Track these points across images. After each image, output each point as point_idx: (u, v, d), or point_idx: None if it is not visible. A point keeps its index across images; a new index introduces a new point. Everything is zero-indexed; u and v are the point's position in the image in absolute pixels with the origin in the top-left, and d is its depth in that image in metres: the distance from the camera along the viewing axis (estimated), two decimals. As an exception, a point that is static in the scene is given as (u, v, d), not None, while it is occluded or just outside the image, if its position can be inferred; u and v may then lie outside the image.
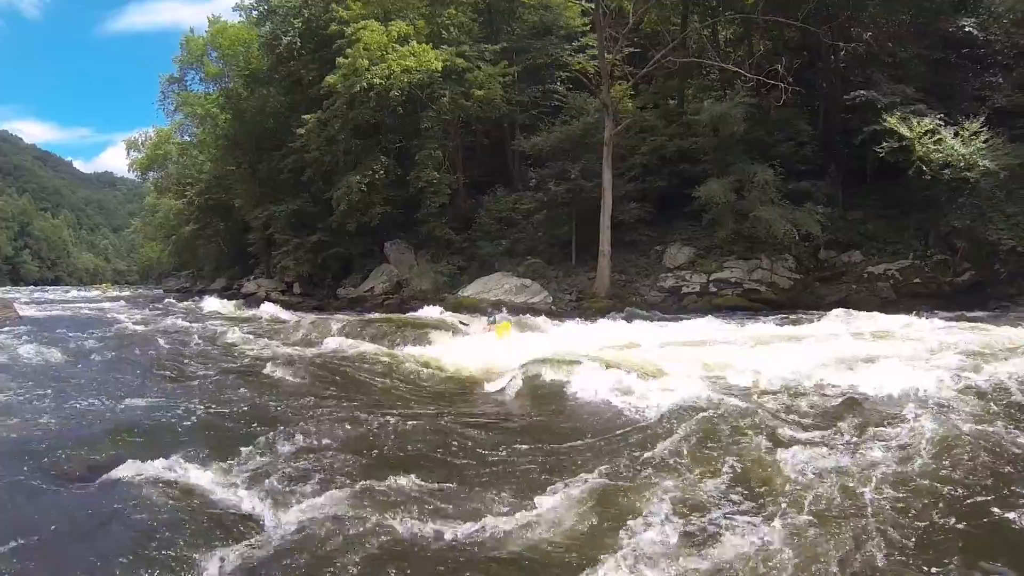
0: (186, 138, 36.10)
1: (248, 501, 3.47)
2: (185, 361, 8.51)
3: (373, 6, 19.96)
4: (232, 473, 3.92)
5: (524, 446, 4.60)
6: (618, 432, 4.82)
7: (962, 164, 14.56)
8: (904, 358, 6.76)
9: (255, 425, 5.06)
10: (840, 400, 5.33)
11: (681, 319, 12.41)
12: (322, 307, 20.28)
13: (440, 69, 17.37)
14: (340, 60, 18.58)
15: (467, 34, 18.71)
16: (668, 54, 16.11)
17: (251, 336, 11.89)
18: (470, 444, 4.67)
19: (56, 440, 4.51)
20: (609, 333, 10.81)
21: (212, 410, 5.50)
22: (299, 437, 4.57)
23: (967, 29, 16.78)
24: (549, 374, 6.73)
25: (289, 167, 22.17)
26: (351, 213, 18.87)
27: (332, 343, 10.84)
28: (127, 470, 3.75)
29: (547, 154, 16.64)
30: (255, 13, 26.81)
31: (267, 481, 3.77)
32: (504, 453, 4.46)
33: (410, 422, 5.18)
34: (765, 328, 11.17)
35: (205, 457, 4.14)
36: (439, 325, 12.58)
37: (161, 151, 42.98)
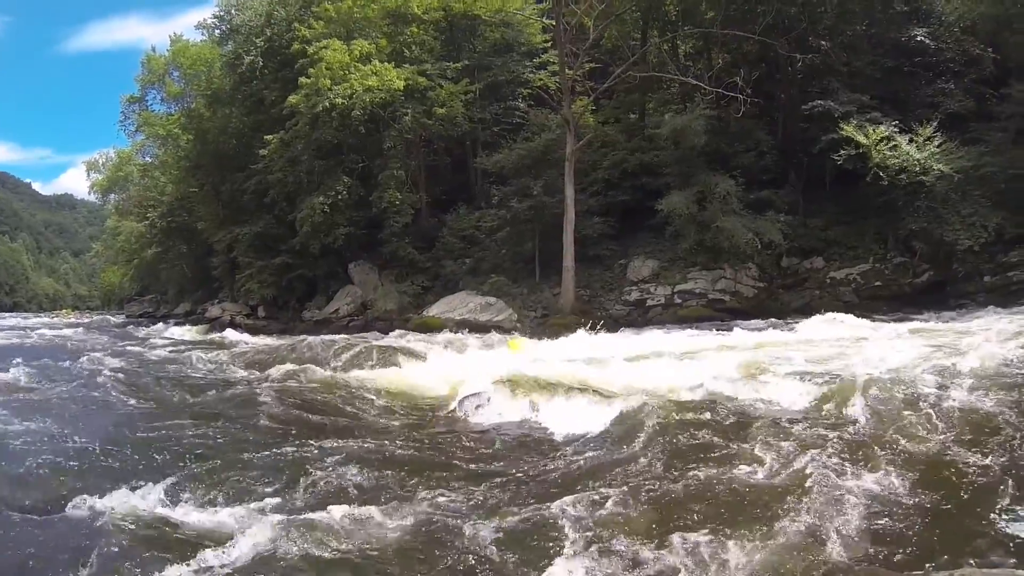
0: (147, 159, 36.48)
1: (200, 528, 3.66)
2: (143, 390, 8.64)
3: (336, 25, 20.70)
4: (186, 502, 4.13)
5: (470, 471, 4.85)
6: (571, 456, 5.17)
7: (917, 169, 15.61)
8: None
9: (208, 453, 5.28)
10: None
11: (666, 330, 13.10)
12: (287, 330, 20.64)
13: (402, 88, 18.06)
14: (303, 80, 19.20)
15: (429, 52, 19.48)
16: (628, 69, 17.00)
17: (212, 362, 12.14)
18: (425, 471, 4.89)
19: (8, 473, 4.68)
20: (572, 350, 11.45)
21: (168, 440, 5.72)
22: (254, 465, 4.78)
23: (919, 38, 17.96)
24: (501, 398, 7.08)
25: (252, 188, 22.68)
26: (314, 234, 19.37)
27: (289, 368, 11.32)
28: (81, 503, 3.91)
29: (509, 171, 17.35)
30: (217, 32, 27.50)
31: (219, 510, 3.97)
32: (452, 482, 4.65)
33: (364, 447, 5.41)
34: (729, 338, 11.90)
35: (161, 487, 4.29)
36: (400, 348, 13.18)
37: (122, 172, 43.32)
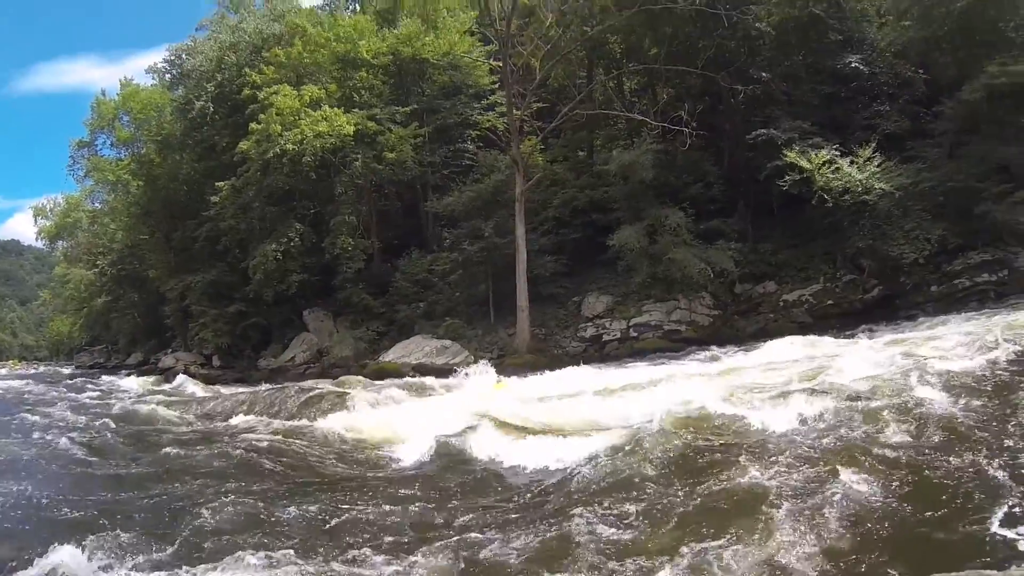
0: (97, 205, 36.15)
1: None
2: (96, 445, 8.66)
3: (286, 70, 21.10)
4: (122, 561, 4.20)
5: (421, 518, 5.08)
6: (530, 496, 5.53)
7: (860, 189, 16.47)
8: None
9: (155, 508, 5.45)
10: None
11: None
12: (243, 379, 20.50)
13: (352, 133, 18.43)
14: (253, 125, 19.46)
15: (378, 97, 19.95)
16: (575, 107, 17.69)
17: (167, 415, 12.20)
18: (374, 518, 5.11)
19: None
20: (549, 386, 11.70)
21: (119, 497, 5.83)
22: (202, 520, 4.91)
23: (854, 65, 19.05)
24: (453, 441, 7.49)
25: (204, 236, 22.67)
26: (268, 282, 19.42)
27: (246, 419, 11.42)
28: (28, 560, 4.03)
29: (460, 213, 17.74)
30: (168, 77, 27.72)
31: (168, 557, 4.15)
32: (403, 530, 4.86)
33: (327, 499, 5.61)
34: (670, 368, 12.32)
35: (104, 546, 4.37)
36: (355, 393, 13.29)
37: (70, 218, 42.64)
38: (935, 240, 16.79)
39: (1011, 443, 5.15)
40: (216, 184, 20.93)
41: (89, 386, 23.19)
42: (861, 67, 19.10)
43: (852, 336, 14.34)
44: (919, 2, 18.62)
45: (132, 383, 22.83)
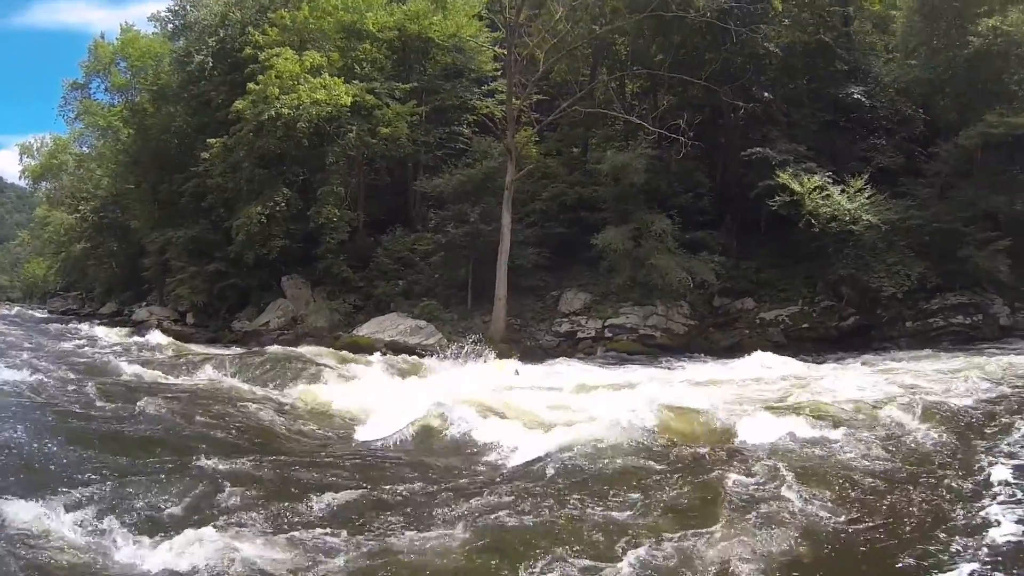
0: (85, 149, 36.10)
1: (94, 544, 3.84)
2: (60, 396, 8.74)
3: (290, 34, 21.22)
4: (87, 515, 4.27)
5: (392, 494, 5.20)
6: (494, 477, 5.79)
7: (847, 218, 16.99)
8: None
9: (118, 469, 5.44)
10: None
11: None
12: (216, 339, 20.81)
13: (349, 104, 18.63)
14: (251, 86, 19.55)
15: (379, 71, 20.18)
16: (575, 103, 18.08)
17: (135, 369, 12.36)
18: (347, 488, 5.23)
19: None
20: (500, 378, 12.10)
21: (77, 454, 5.79)
22: (158, 489, 4.94)
23: (856, 96, 19.59)
24: (432, 421, 7.67)
25: (190, 191, 22.80)
26: (250, 244, 19.62)
27: (216, 379, 11.63)
28: None
29: (448, 196, 18.10)
30: (170, 26, 27.64)
31: (117, 524, 4.15)
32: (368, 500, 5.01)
33: (286, 467, 5.73)
34: (640, 373, 12.79)
35: (63, 500, 4.43)
36: (329, 365, 13.56)
37: (57, 160, 42.44)
38: (915, 277, 17.40)
39: (973, 478, 5.59)
40: (208, 140, 21.05)
41: (59, 332, 23.34)
42: (863, 99, 19.66)
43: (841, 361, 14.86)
44: (928, 43, 19.24)
45: (102, 333, 22.97)
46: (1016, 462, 5.93)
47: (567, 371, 12.86)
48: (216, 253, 21.37)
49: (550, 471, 5.75)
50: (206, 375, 12.09)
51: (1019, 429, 6.94)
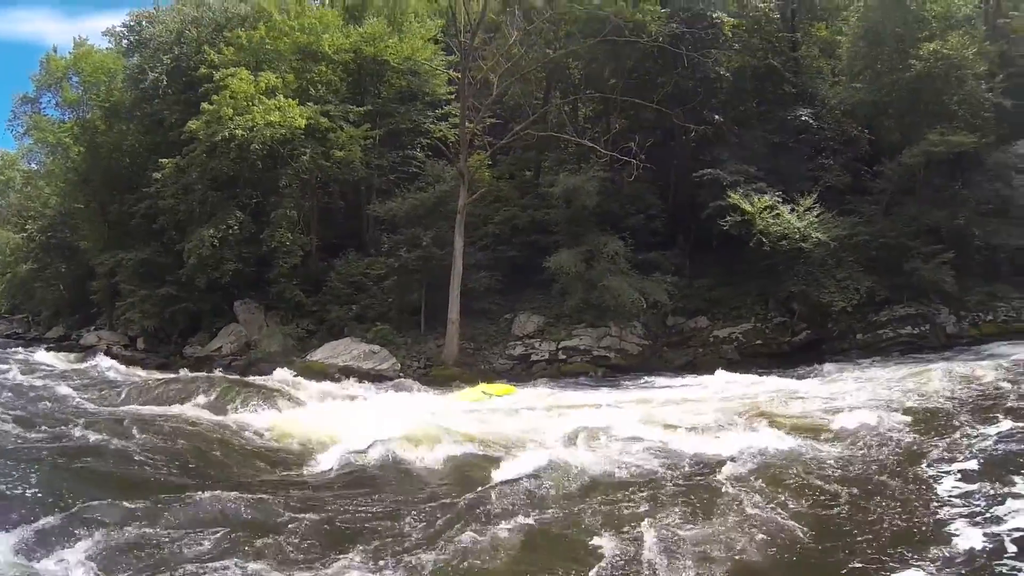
0: (33, 166, 35.70)
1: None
2: (3, 423, 8.60)
3: (245, 54, 21.65)
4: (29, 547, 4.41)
5: (342, 524, 5.40)
6: (460, 504, 6.01)
7: (797, 236, 17.99)
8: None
9: (65, 497, 5.49)
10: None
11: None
12: (167, 365, 20.83)
13: (303, 126, 19.12)
14: (205, 106, 19.89)
15: (334, 93, 20.75)
16: (528, 127, 18.88)
17: (83, 396, 12.50)
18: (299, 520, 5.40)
19: None
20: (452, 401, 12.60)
21: (13, 483, 5.79)
22: (109, 514, 5.08)
23: (803, 118, 20.73)
24: (386, 447, 7.90)
25: (142, 212, 22.96)
26: (202, 267, 19.86)
27: (165, 406, 11.61)
28: None
29: (401, 220, 18.67)
30: (125, 42, 27.80)
31: (55, 561, 4.29)
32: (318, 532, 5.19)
33: (237, 498, 5.76)
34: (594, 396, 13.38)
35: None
36: (282, 392, 13.83)
37: (3, 176, 42.00)
38: (864, 291, 18.50)
39: (928, 486, 6.20)
40: (160, 160, 21.31)
41: (3, 357, 22.99)
42: (810, 121, 20.82)
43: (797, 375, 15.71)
44: (872, 67, 20.53)
45: (50, 358, 22.82)
46: (967, 467, 6.61)
47: (533, 393, 13.44)
48: (167, 276, 21.51)
49: (525, 489, 6.20)
50: (155, 402, 12.17)
51: (972, 436, 7.67)
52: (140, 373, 18.41)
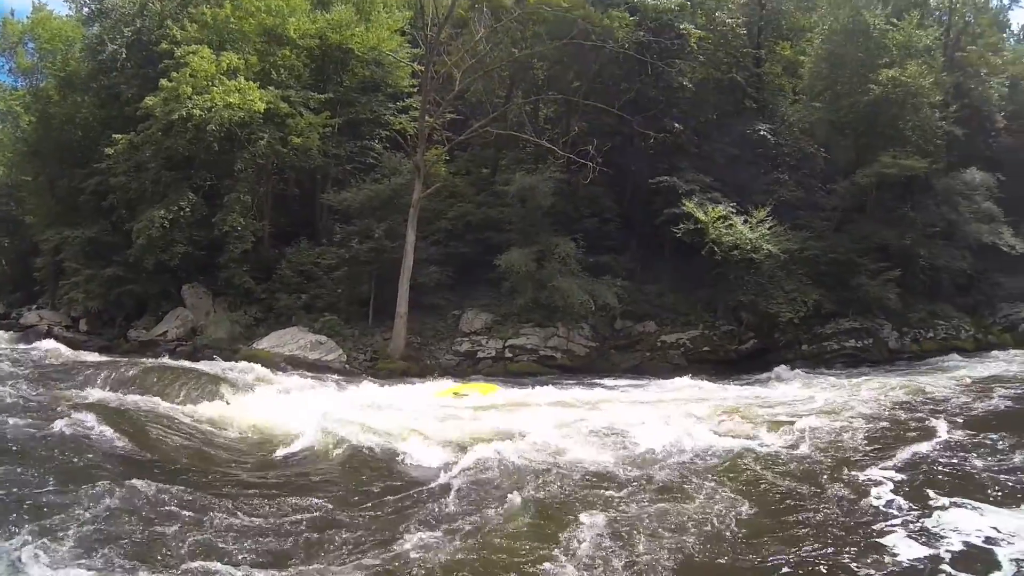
0: (-21, 134, 35.02)
1: None
2: None
3: (209, 32, 21.71)
4: None
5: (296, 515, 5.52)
6: (406, 494, 6.31)
7: (749, 247, 18.88)
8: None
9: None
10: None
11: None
12: (110, 348, 20.87)
13: (262, 111, 19.34)
14: (164, 82, 19.94)
15: (296, 78, 21.02)
16: (487, 124, 19.45)
17: (21, 378, 12.36)
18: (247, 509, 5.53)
19: None
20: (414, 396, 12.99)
21: None
22: (54, 503, 5.05)
23: (762, 133, 21.73)
24: (333, 439, 8.12)
25: (91, 188, 22.89)
26: (151, 249, 19.95)
27: (106, 392, 11.42)
28: None
29: (355, 211, 19.08)
30: (85, 10, 27.49)
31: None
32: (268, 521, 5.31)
33: (187, 489, 5.83)
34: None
35: None
36: (228, 379, 14.00)
37: (-52, 142, 40.90)
38: (811, 303, 19.54)
39: (865, 493, 6.57)
40: (114, 136, 21.26)
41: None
42: (769, 136, 21.84)
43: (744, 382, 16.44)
44: (832, 88, 21.63)
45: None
46: (903, 477, 7.11)
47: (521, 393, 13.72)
48: (114, 256, 21.49)
49: (474, 486, 6.49)
50: (97, 387, 12.00)
51: (909, 448, 8.28)
52: (84, 356, 18.30)
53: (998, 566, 4.89)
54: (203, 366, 15.22)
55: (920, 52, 21.46)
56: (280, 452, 8.23)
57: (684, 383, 15.39)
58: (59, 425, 7.85)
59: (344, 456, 7.84)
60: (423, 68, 19.46)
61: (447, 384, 14.66)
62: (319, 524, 5.61)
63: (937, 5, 24.66)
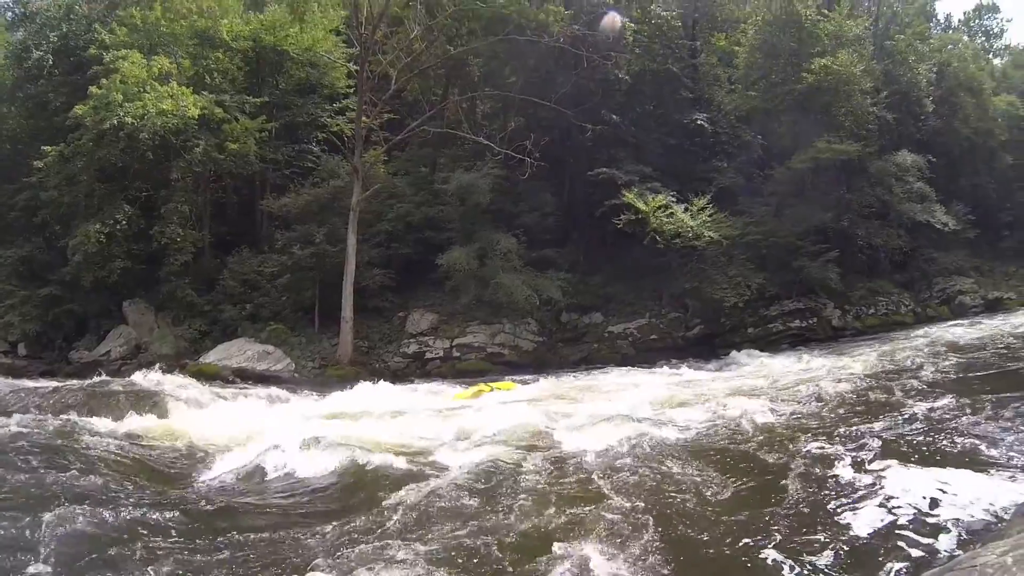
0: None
1: None
2: None
3: (139, 35, 21.52)
4: None
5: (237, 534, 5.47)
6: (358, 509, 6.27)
7: (691, 234, 19.71)
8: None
9: None
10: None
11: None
12: (52, 372, 20.51)
13: (197, 116, 19.37)
14: (93, 89, 19.72)
15: (231, 82, 21.09)
16: (425, 123, 19.84)
17: None
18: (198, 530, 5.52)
19: None
20: (351, 402, 13.25)
21: None
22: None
23: (700, 122, 22.61)
24: (278, 453, 8.06)
25: (21, 204, 22.55)
26: (88, 266, 19.76)
27: (51, 419, 10.96)
28: None
29: (295, 216, 19.39)
30: (9, 15, 26.99)
31: None
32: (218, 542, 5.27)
33: (123, 512, 5.72)
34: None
35: None
36: (175, 396, 14.09)
37: None
38: (755, 287, 20.52)
39: (815, 474, 6.74)
40: (43, 148, 20.95)
41: None
42: (706, 125, 22.73)
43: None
44: (767, 78, 22.65)
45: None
46: (858, 447, 7.39)
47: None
48: (50, 275, 21.25)
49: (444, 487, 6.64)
50: (36, 411, 11.73)
51: (863, 419, 8.72)
52: (23, 383, 17.94)
53: (946, 529, 5.30)
54: (148, 380, 15.29)
55: (851, 41, 22.66)
56: (220, 468, 8.24)
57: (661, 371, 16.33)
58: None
59: (288, 469, 7.85)
60: (359, 68, 19.70)
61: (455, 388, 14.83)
62: (257, 540, 5.68)
63: (866, -5, 25.89)
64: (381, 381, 15.46)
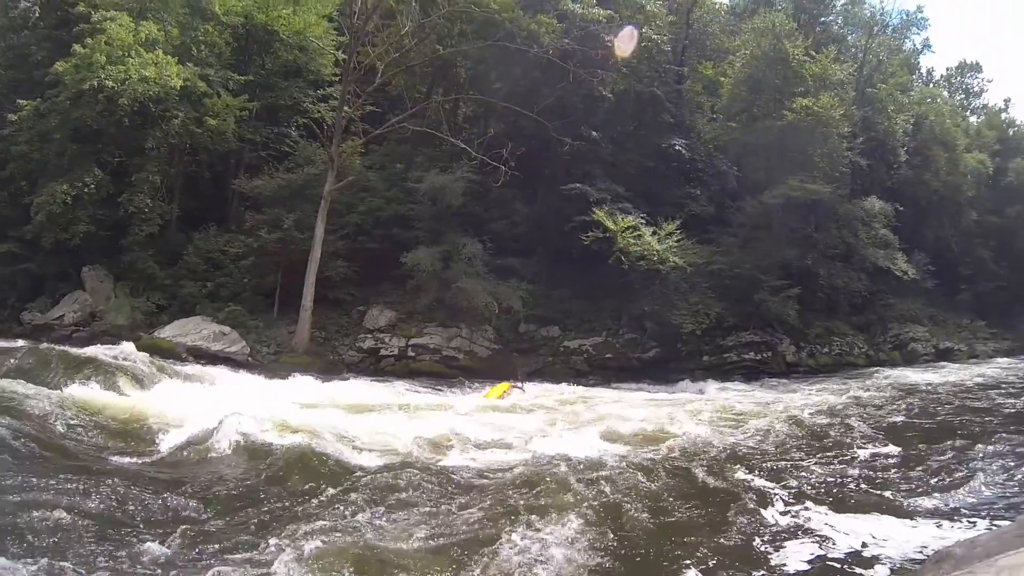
0: None
1: None
2: None
3: (130, -2, 21.41)
4: None
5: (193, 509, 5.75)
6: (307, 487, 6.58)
7: (656, 258, 20.28)
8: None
9: None
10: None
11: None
12: (1, 331, 20.49)
13: (179, 87, 19.48)
14: (77, 48, 19.70)
15: (217, 57, 21.29)
16: (405, 120, 20.17)
17: None
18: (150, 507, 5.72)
19: None
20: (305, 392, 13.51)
21: None
22: None
23: (677, 147, 23.26)
24: (231, 435, 8.07)
25: (-11, 157, 22.35)
26: (51, 226, 19.81)
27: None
28: None
29: (266, 199, 19.65)
30: (-2, -38, 26.61)
31: None
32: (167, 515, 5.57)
33: (74, 486, 5.81)
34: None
35: None
36: (124, 369, 14.13)
37: None
38: (714, 316, 21.18)
39: (755, 505, 6.94)
40: (19, 101, 20.87)
41: None
42: (684, 151, 23.42)
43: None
44: (749, 111, 23.33)
45: None
46: (795, 485, 7.72)
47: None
48: (9, 232, 21.18)
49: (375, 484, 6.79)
50: None
51: (805, 463, 8.93)
52: None
53: (872, 570, 5.61)
54: (99, 350, 15.13)
55: (834, 85, 23.53)
56: (173, 442, 8.38)
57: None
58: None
59: (241, 448, 7.98)
60: (347, 57, 19.95)
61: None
62: (209, 516, 5.91)
63: (854, 43, 26.82)
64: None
